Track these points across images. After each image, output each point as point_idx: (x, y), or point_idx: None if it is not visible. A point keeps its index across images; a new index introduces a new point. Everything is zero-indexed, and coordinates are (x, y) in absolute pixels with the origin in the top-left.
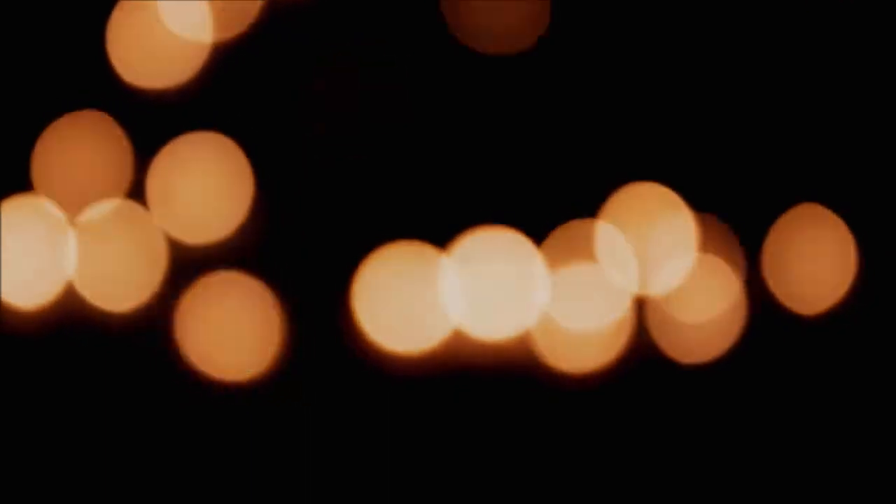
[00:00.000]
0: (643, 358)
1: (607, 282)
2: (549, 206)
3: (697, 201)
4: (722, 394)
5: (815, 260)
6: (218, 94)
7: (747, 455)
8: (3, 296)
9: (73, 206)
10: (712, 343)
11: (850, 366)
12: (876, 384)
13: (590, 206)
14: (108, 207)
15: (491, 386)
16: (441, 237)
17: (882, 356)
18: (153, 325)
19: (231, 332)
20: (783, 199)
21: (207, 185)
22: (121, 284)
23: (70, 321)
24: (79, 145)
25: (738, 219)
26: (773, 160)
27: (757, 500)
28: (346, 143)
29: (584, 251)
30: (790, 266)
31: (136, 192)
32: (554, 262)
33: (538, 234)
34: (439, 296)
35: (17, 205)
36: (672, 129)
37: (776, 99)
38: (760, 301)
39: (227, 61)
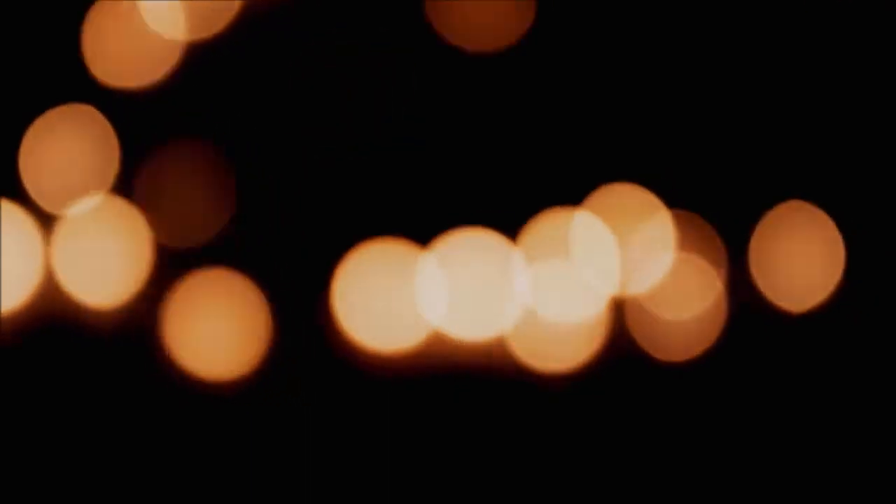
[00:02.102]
0: (623, 357)
1: (587, 280)
2: (528, 205)
3: (683, 199)
4: (705, 393)
5: (802, 257)
6: (198, 93)
7: (731, 455)
8: None
9: (55, 203)
10: (695, 341)
11: (837, 364)
12: (863, 381)
13: (570, 205)
14: (91, 204)
15: (470, 384)
16: (421, 235)
17: (870, 353)
18: (136, 323)
19: (213, 329)
20: (768, 196)
21: (190, 185)
22: (105, 281)
23: (54, 319)
24: (61, 143)
25: (724, 216)
26: (759, 157)
27: (741, 499)
28: (329, 142)
29: (564, 249)
30: (776, 263)
31: (120, 188)
32: (533, 260)
33: (517, 233)
34: (419, 294)
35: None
36: (658, 125)
37: (758, 94)
38: (746, 299)
39: (206, 59)
